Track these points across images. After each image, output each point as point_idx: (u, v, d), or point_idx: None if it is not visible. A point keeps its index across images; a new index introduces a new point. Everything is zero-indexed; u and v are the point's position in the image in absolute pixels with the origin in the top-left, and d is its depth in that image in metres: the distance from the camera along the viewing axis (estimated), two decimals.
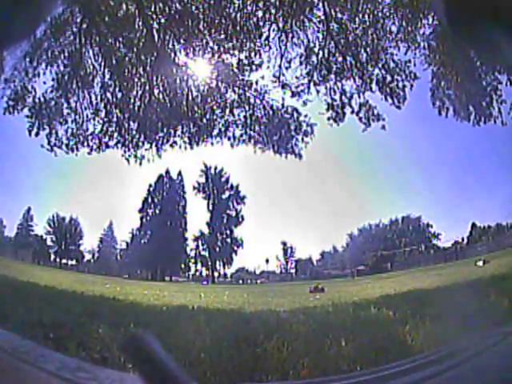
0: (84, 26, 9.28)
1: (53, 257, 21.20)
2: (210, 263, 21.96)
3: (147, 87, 9.98)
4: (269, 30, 9.71)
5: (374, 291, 9.77)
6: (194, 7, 9.13)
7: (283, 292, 13.41)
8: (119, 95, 10.13)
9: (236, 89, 10.50)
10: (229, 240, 21.64)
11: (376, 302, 6.92)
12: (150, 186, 21.22)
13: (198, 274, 22.28)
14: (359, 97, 10.26)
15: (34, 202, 20.45)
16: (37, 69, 9.56)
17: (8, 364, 1.31)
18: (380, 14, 9.63)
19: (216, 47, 9.69)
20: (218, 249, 21.70)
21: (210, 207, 21.51)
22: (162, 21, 9.31)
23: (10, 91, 9.63)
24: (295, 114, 10.78)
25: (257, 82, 10.47)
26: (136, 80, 10.00)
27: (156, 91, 10.10)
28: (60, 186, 20.95)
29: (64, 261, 21.37)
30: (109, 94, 10.12)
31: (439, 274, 12.62)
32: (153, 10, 9.21)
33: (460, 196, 19.88)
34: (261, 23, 9.54)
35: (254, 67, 10.16)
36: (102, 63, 9.79)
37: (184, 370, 0.75)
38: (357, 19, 9.67)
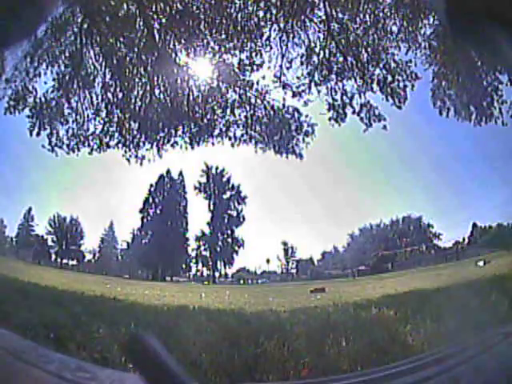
0: (85, 25, 9.29)
1: (53, 257, 21.23)
2: (210, 263, 21.97)
3: (148, 87, 9.99)
4: (270, 30, 9.73)
5: (375, 291, 9.78)
6: (194, 7, 9.14)
7: (284, 292, 13.41)
8: (120, 95, 10.13)
9: (237, 89, 10.50)
10: (230, 240, 21.66)
11: (377, 302, 6.92)
12: (151, 186, 21.24)
13: (198, 274, 22.31)
14: (360, 97, 10.25)
15: (34, 202, 20.49)
16: (38, 69, 9.57)
17: (8, 364, 1.31)
18: (381, 14, 9.63)
19: (217, 47, 9.70)
20: (218, 249, 21.72)
21: (211, 207, 21.53)
22: (163, 21, 9.31)
23: (11, 91, 9.65)
24: (296, 114, 10.78)
25: (258, 82, 10.48)
26: (137, 80, 10.01)
27: (157, 91, 10.11)
28: (61, 186, 20.96)
29: (65, 261, 21.40)
30: (110, 94, 10.13)
31: (440, 274, 12.60)
32: (154, 10, 9.22)
33: (461, 196, 19.86)
34: (262, 23, 9.55)
35: (254, 67, 10.16)
36: (103, 63, 9.80)
37: (184, 370, 0.75)
38: (358, 19, 9.67)
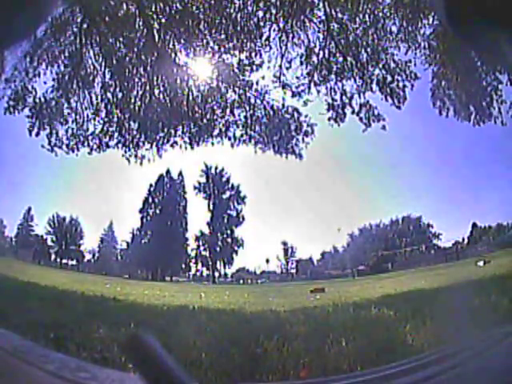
0: (84, 25, 9.29)
1: (53, 257, 21.22)
2: (210, 263, 21.97)
3: (148, 87, 9.99)
4: (269, 30, 9.73)
5: (375, 291, 9.77)
6: (194, 7, 9.14)
7: (284, 292, 13.41)
8: (120, 95, 10.13)
9: (236, 89, 10.50)
10: (229, 240, 21.65)
11: (376, 302, 6.91)
12: (151, 185, 21.23)
13: (198, 274, 22.31)
14: (360, 97, 10.26)
15: (34, 202, 20.47)
16: (37, 69, 9.57)
17: (8, 364, 1.31)
18: (380, 14, 9.63)
19: (216, 47, 9.70)
20: (218, 249, 21.71)
21: (211, 207, 21.53)
22: (163, 21, 9.31)
23: (11, 91, 9.65)
24: (296, 114, 10.78)
25: (257, 82, 10.48)
26: (136, 80, 10.01)
27: (156, 91, 10.11)
28: (60, 186, 20.95)
29: (64, 261, 21.39)
30: (109, 94, 10.13)
31: (440, 274, 12.61)
32: (153, 10, 9.22)
33: (460, 196, 19.86)
34: (261, 23, 9.55)
35: (254, 67, 10.17)
36: (103, 63, 9.80)
37: (184, 370, 0.75)
38: (357, 19, 9.67)
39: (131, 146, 10.47)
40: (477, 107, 9.99)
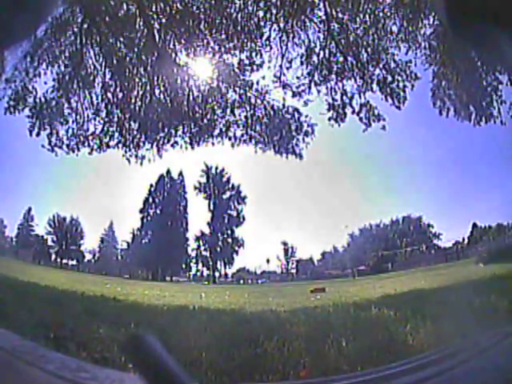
0: (85, 25, 9.29)
1: (53, 257, 21.24)
2: (210, 263, 21.97)
3: (148, 87, 9.99)
4: (270, 30, 9.73)
5: (375, 291, 9.77)
6: (194, 7, 9.14)
7: (284, 292, 13.41)
8: (120, 95, 10.13)
9: (237, 89, 10.50)
10: (230, 240, 21.66)
11: (377, 302, 6.91)
12: (151, 186, 21.27)
13: (198, 274, 22.32)
14: (360, 97, 10.25)
15: (34, 202, 20.50)
16: (38, 69, 9.57)
17: (8, 364, 1.31)
18: (381, 14, 9.63)
19: (217, 47, 9.70)
20: (218, 249, 21.72)
21: (211, 207, 21.55)
22: (163, 21, 9.31)
23: (11, 91, 9.65)
24: (296, 114, 10.78)
25: (258, 82, 10.47)
26: (137, 80, 10.01)
27: (157, 91, 10.11)
28: (61, 186, 20.97)
29: (65, 261, 21.40)
30: (110, 94, 10.13)
31: (440, 274, 12.61)
32: (153, 10, 9.22)
33: (461, 196, 19.85)
34: (262, 23, 9.55)
35: (254, 67, 10.16)
36: (103, 63, 9.80)
37: (184, 370, 0.75)
38: (358, 19, 9.67)
39: (131, 146, 10.48)
40: (477, 107, 9.99)
